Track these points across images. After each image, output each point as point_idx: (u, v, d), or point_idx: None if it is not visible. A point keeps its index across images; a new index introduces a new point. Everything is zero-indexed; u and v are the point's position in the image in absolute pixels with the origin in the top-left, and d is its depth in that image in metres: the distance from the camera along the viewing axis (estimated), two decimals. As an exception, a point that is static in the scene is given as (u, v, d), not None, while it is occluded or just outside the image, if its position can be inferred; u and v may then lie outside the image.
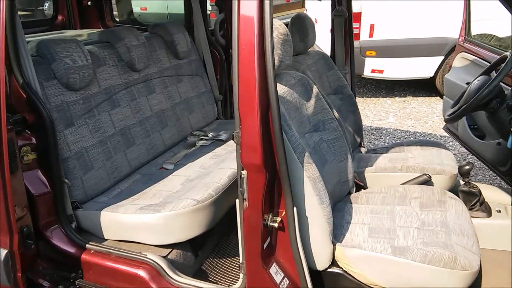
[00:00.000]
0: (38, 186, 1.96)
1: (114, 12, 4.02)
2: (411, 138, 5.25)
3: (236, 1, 1.47)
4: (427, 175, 2.34)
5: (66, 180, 2.04)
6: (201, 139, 2.98)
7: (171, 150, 2.84)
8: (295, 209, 1.65)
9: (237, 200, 1.70)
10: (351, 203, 2.21)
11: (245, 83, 1.49)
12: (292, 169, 1.72)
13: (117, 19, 4.03)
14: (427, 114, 5.98)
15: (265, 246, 1.68)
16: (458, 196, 2.24)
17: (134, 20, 4.28)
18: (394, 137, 5.26)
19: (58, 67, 2.15)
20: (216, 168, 2.39)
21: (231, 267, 2.32)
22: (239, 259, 2.26)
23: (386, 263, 1.72)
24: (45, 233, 1.98)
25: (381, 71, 6.33)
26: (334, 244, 1.83)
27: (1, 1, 1.62)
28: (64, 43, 2.20)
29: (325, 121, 2.22)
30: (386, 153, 2.84)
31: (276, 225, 1.66)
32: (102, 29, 3.72)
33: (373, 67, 6.29)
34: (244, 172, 1.59)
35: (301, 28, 2.66)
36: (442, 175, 2.40)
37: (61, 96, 2.17)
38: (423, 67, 6.26)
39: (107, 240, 2.10)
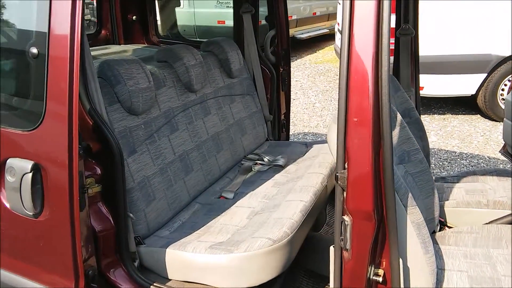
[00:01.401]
0: (101, 222, 1.78)
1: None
2: (458, 159, 5.00)
3: (348, 24, 1.28)
4: (522, 213, 2.11)
5: (131, 215, 1.87)
6: (256, 163, 2.80)
7: (226, 175, 2.66)
8: (400, 260, 1.45)
9: (332, 248, 1.51)
10: (438, 244, 1.99)
11: (356, 116, 1.30)
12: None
13: (161, 34, 3.88)
14: (470, 134, 5.73)
15: (365, 301, 1.47)
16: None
17: (178, 35, 4.14)
18: (440, 158, 5.01)
19: (122, 90, 1.98)
20: (283, 200, 2.20)
21: (301, 310, 2.12)
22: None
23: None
24: (107, 274, 1.80)
25: (421, 88, 6.08)
26: (435, 297, 1.62)
27: (77, 14, 1.44)
28: (127, 64, 2.05)
29: (410, 152, 2.01)
30: (458, 182, 2.61)
31: (379, 279, 1.45)
32: (146, 45, 3.58)
33: (413, 83, 6.06)
34: (347, 218, 1.39)
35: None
36: (533, 212, 2.17)
37: (123, 121, 2.00)
38: (465, 84, 6.02)
39: (170, 280, 1.91)
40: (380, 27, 1.25)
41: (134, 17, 3.52)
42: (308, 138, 5.73)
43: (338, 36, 7.69)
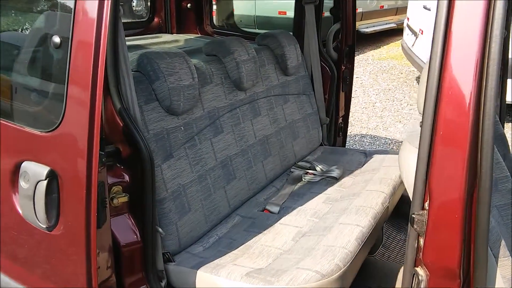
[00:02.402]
0: (127, 236, 1.58)
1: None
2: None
3: (443, 20, 0.97)
4: None
5: (160, 229, 1.65)
6: (307, 173, 2.50)
7: (272, 184, 2.40)
8: (486, 329, 1.12)
9: None
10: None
11: (449, 139, 0.99)
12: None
13: (216, 24, 3.66)
14: (553, 148, 5.08)
15: None
16: None
17: (234, 26, 3.90)
18: (516, 175, 4.46)
19: (161, 87, 1.76)
20: (336, 222, 1.90)
21: None
22: None
23: None
24: (130, 294, 1.60)
25: (498, 94, 5.49)
26: None
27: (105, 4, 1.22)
28: (170, 57, 1.82)
29: (498, 180, 1.64)
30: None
31: None
32: (199, 35, 3.37)
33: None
34: (422, 273, 1.08)
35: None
36: None
37: (161, 122, 1.78)
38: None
39: (200, 305, 1.68)
40: (490, 25, 0.92)
41: (188, 5, 3.31)
42: (365, 140, 5.33)
43: (406, 31, 7.15)
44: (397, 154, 2.69)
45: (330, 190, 2.29)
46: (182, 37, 3.21)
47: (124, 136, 1.53)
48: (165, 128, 1.80)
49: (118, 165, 1.57)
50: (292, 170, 2.54)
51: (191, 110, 1.93)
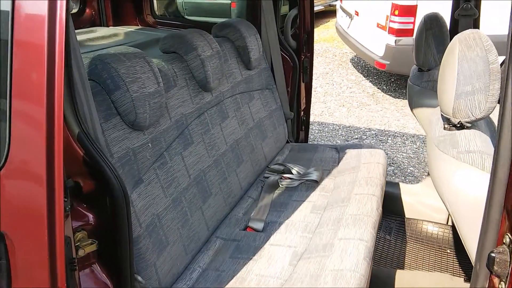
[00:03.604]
0: (98, 292, 1.24)
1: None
2: None
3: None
4: None
5: (139, 278, 1.32)
6: (282, 177, 2.26)
7: (248, 194, 2.13)
8: None
9: None
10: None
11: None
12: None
13: (158, 13, 3.26)
14: None
15: None
16: None
17: (177, 15, 3.52)
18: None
19: (123, 98, 1.41)
20: (334, 238, 1.68)
21: None
22: None
23: None
24: None
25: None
26: None
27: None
28: (128, 60, 1.46)
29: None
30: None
31: None
32: (140, 27, 2.97)
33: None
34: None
35: (440, 34, 1.94)
36: None
37: (125, 141, 1.44)
38: None
39: None
40: None
41: (124, -7, 2.91)
42: (314, 128, 5.21)
43: (340, 13, 7.10)
44: (371, 147, 2.54)
45: (314, 196, 2.07)
46: (120, 30, 2.81)
47: (85, 167, 1.18)
48: (130, 148, 1.45)
49: (79, 204, 1.22)
50: (265, 175, 2.29)
51: (157, 121, 1.60)
